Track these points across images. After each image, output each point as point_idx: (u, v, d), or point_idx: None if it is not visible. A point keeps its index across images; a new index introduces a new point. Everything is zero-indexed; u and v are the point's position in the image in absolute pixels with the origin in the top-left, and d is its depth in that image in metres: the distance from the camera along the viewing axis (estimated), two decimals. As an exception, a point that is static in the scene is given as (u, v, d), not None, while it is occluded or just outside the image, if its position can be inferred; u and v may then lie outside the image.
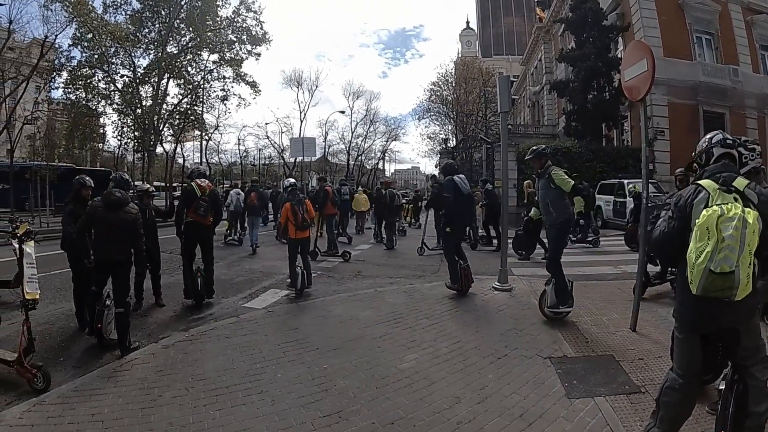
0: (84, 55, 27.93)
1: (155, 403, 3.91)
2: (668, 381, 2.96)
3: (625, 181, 17.88)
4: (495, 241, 13.54)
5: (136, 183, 7.77)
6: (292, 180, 9.71)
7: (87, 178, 6.39)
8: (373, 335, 5.49)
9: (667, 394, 2.94)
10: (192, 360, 4.87)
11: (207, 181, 7.71)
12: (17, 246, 4.70)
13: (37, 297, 4.68)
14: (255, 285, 8.71)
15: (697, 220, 2.61)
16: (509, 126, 28.96)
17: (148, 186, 7.62)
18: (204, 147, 35.52)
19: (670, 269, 6.98)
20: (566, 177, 5.93)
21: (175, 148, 34.43)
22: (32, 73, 24.38)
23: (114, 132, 32.37)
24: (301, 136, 49.90)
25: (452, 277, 7.38)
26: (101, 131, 32.70)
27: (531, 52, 48.34)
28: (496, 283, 7.68)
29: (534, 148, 6.52)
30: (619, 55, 24.87)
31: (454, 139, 38.91)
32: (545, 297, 6.07)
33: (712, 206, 2.61)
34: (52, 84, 28.30)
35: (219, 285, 8.61)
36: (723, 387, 2.98)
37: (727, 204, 2.58)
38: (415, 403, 3.85)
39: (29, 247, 4.72)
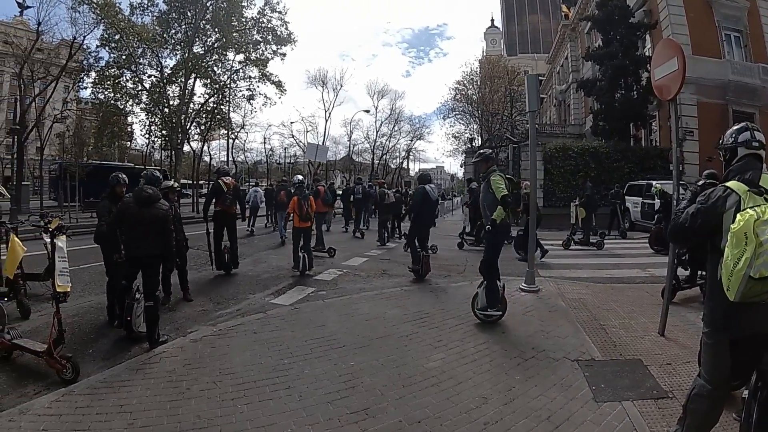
0: (112, 55, 28.25)
1: (183, 396, 3.95)
2: (696, 387, 2.88)
3: (654, 182, 17.47)
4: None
5: (173, 182, 7.92)
6: (300, 177, 11.09)
7: (122, 175, 6.52)
8: (400, 334, 5.48)
9: (694, 401, 2.87)
10: (220, 354, 4.92)
11: (231, 179, 9.71)
12: (48, 240, 4.82)
13: (68, 290, 4.75)
14: (281, 281, 8.76)
15: (732, 226, 2.50)
16: (536, 126, 28.73)
17: (173, 182, 7.74)
18: (230, 145, 35.83)
19: (699, 273, 6.83)
20: (501, 185, 6.00)
21: (202, 146, 34.72)
22: (61, 73, 24.83)
23: (142, 130, 32.79)
24: (326, 135, 50.56)
25: (414, 260, 8.95)
26: (129, 129, 33.11)
27: (557, 50, 47.78)
28: (523, 285, 7.59)
29: (481, 151, 6.81)
30: (647, 53, 24.40)
31: (480, 138, 38.59)
32: (476, 299, 6.07)
33: (745, 210, 2.50)
34: (80, 84, 28.80)
35: (245, 281, 8.79)
36: (747, 394, 2.89)
37: (760, 206, 2.48)
38: (442, 402, 3.83)
39: (61, 242, 4.82)
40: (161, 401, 3.86)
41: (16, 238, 6.00)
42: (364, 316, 6.21)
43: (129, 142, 37.33)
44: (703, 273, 6.47)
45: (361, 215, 18.72)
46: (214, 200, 9.31)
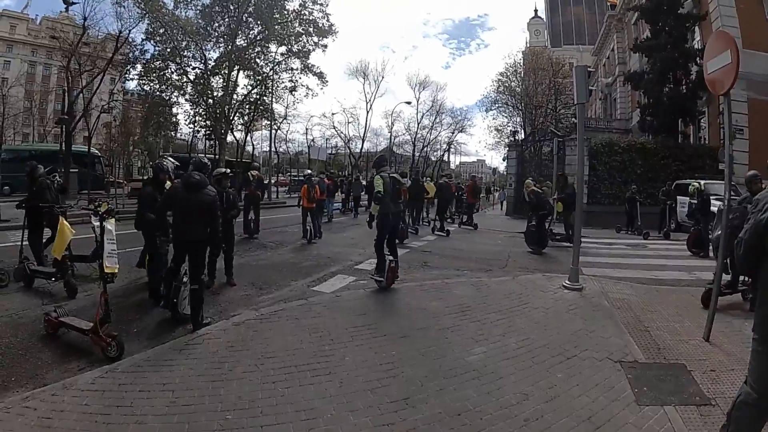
0: (156, 48, 29.27)
1: (225, 377, 4.02)
2: (742, 395, 2.75)
3: (702, 182, 16.75)
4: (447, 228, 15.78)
5: (223, 170, 8.19)
6: (309, 171, 16.74)
7: (165, 162, 6.68)
8: (441, 326, 5.44)
9: (740, 409, 2.75)
10: (262, 338, 4.99)
11: (257, 172, 15.10)
12: (98, 224, 4.96)
13: (116, 271, 4.92)
14: (322, 270, 8.86)
15: None
16: (574, 120, 27.96)
17: (226, 169, 7.93)
18: (273, 136, 36.35)
19: (742, 279, 6.53)
20: (379, 183, 7.28)
21: (245, 136, 35.41)
22: (108, 65, 25.47)
23: (186, 120, 33.61)
24: (367, 126, 50.69)
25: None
26: (174, 120, 33.98)
27: (603, 41, 46.33)
28: (567, 282, 7.42)
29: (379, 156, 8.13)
30: (696, 46, 23.34)
31: (523, 131, 37.91)
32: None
33: None
34: (126, 76, 29.87)
35: (287, 268, 8.95)
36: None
37: None
38: (482, 396, 3.79)
39: (110, 225, 4.97)
40: (203, 381, 3.94)
41: (65, 221, 6.26)
42: (405, 306, 6.22)
43: (174, 132, 38.15)
44: (746, 279, 6.21)
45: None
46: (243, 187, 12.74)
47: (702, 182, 15.79)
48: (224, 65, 30.20)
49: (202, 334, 5.10)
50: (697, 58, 22.37)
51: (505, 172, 35.01)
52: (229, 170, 8.06)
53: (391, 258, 7.39)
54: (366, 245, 11.76)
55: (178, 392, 3.74)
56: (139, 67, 29.49)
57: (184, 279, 5.79)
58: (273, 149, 37.87)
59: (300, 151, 57.99)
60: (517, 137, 29.27)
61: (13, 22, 60.99)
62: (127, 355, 4.49)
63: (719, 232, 6.00)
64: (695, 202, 12.64)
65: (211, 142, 35.17)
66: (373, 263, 8.90)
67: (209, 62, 30.56)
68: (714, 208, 14.41)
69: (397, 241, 7.97)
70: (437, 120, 55.32)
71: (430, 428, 3.32)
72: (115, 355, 4.48)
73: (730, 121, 5.96)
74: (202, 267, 5.75)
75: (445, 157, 62.08)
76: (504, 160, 32.81)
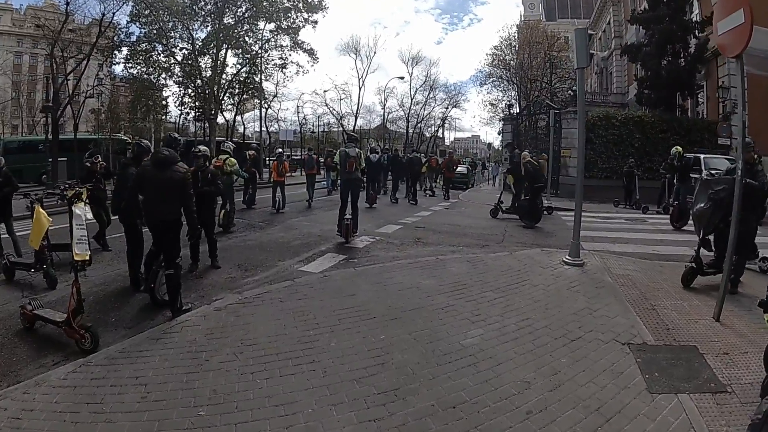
0: (142, 30, 28.41)
1: (201, 368, 3.72)
2: None
3: (702, 156, 16.39)
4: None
5: (200, 147, 7.70)
6: (280, 150, 18.01)
7: (145, 142, 6.29)
8: (435, 306, 5.09)
9: None
10: (243, 324, 4.68)
11: (253, 151, 16.07)
12: (78, 211, 4.64)
13: (87, 258, 4.58)
14: (312, 248, 8.49)
15: None
16: (569, 93, 27.46)
17: (200, 148, 7.50)
18: (263, 116, 35.62)
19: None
20: (337, 157, 9.70)
21: (235, 116, 34.72)
22: (92, 50, 24.81)
23: (175, 103, 32.92)
24: (359, 103, 50.07)
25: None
26: (163, 103, 33.27)
27: (599, 14, 45.44)
28: (567, 257, 7.04)
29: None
30: (695, 18, 22.81)
31: (518, 105, 37.29)
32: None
33: None
34: (113, 60, 29.01)
35: (276, 248, 8.56)
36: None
37: None
38: (479, 385, 3.45)
39: (79, 209, 4.64)
40: (178, 373, 3.64)
41: (41, 209, 5.89)
42: (397, 285, 5.84)
43: (164, 116, 37.42)
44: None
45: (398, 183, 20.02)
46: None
47: (702, 156, 15.61)
48: (212, 45, 29.46)
49: (181, 321, 4.82)
50: (696, 31, 22.12)
51: (500, 147, 34.51)
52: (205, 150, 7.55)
53: (348, 217, 9.12)
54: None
55: (151, 386, 3.46)
56: (125, 50, 28.71)
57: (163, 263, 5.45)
58: (264, 129, 37.08)
59: (294, 130, 57.15)
60: (512, 111, 28.66)
61: None
62: (103, 346, 4.24)
63: (701, 205, 5.66)
64: (678, 165, 12.66)
65: (200, 123, 34.56)
66: (366, 241, 8.82)
67: (197, 42, 29.80)
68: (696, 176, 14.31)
69: (369, 205, 12.37)
70: (431, 95, 54.45)
71: (421, 424, 2.99)
72: (90, 347, 4.23)
73: (743, 86, 5.53)
74: (176, 250, 5.37)
75: (440, 133, 61.46)
76: (499, 134, 32.30)
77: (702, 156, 16.21)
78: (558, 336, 4.34)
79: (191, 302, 5.50)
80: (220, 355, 3.94)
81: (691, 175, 13.07)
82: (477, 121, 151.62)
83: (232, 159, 10.69)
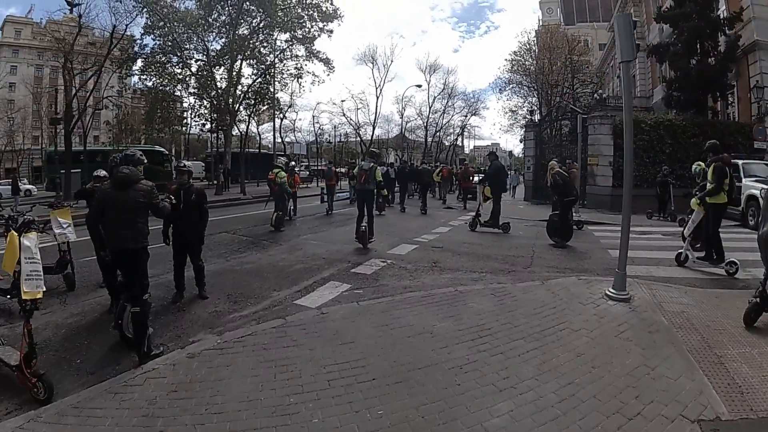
0: (155, 42, 28.36)
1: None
2: None
3: (740, 163, 15.06)
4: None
5: (183, 162, 6.87)
6: (292, 163, 17.95)
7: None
8: (451, 362, 4.04)
9: None
10: (215, 379, 3.82)
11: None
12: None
13: (39, 296, 3.98)
14: (314, 274, 7.52)
15: None
16: (601, 95, 26.15)
17: (185, 163, 6.62)
18: (279, 126, 35.28)
19: None
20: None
21: (247, 127, 34.32)
22: (103, 63, 25.07)
23: (191, 114, 32.78)
24: (377, 113, 49.48)
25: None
26: (179, 114, 33.15)
27: (618, 16, 44.07)
28: (611, 290, 5.88)
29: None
30: (722, 15, 21.54)
31: (539, 112, 36.06)
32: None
33: None
34: (128, 72, 28.96)
35: (274, 273, 7.69)
36: None
37: None
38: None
39: (29, 240, 4.05)
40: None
41: (14, 233, 5.15)
42: (406, 329, 4.81)
43: (181, 126, 37.34)
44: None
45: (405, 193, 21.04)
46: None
47: (740, 162, 14.34)
48: (227, 56, 29.09)
49: (147, 369, 4.05)
50: (725, 28, 20.89)
51: (522, 155, 33.22)
52: (188, 165, 6.64)
53: (364, 225, 9.83)
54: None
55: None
56: (139, 62, 28.79)
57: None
58: (280, 140, 36.67)
59: (311, 141, 56.70)
60: (534, 117, 27.46)
61: (18, 27, 60.71)
62: (60, 395, 3.72)
63: None
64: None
65: (215, 134, 34.28)
66: (375, 265, 7.97)
67: (212, 53, 29.51)
68: (756, 192, 12.97)
69: (378, 212, 12.00)
70: (449, 103, 53.61)
71: None
72: (44, 397, 3.70)
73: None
74: (141, 283, 4.59)
75: (459, 142, 60.38)
76: (521, 141, 31.04)
77: (740, 162, 14.95)
78: (612, 412, 3.26)
79: (164, 344, 4.78)
80: (176, 426, 3.14)
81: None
82: (497, 128, 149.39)
83: (282, 173, 13.35)
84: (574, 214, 11.99)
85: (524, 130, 27.41)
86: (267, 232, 12.21)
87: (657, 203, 15.91)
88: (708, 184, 7.67)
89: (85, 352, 4.68)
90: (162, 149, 35.56)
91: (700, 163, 9.74)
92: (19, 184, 26.38)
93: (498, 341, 4.46)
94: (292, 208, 15.08)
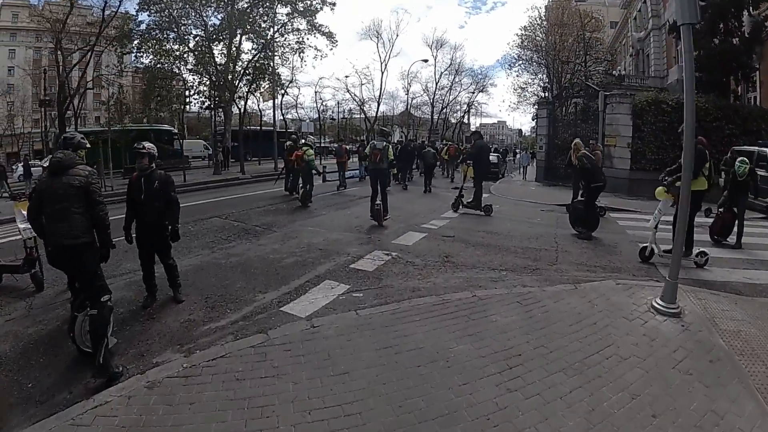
0: (151, 18, 27.21)
1: None
2: None
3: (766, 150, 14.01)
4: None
5: (143, 144, 5.64)
6: (303, 140, 17.37)
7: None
8: (475, 409, 3.08)
9: None
10: (171, 425, 3.02)
11: (290, 141, 16.50)
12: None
13: None
14: (307, 271, 6.57)
15: None
16: (620, 72, 24.79)
17: (143, 144, 5.48)
18: (279, 102, 34.24)
19: None
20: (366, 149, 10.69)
21: (245, 103, 33.16)
22: (96, 42, 24.26)
23: (190, 92, 31.66)
24: (382, 88, 48.23)
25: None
26: (178, 92, 32.07)
27: (633, -8, 42.57)
28: (659, 302, 4.89)
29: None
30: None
31: (551, 89, 34.73)
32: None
33: None
34: (123, 50, 27.66)
35: (261, 269, 6.76)
36: None
37: None
38: None
39: None
40: None
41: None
42: (415, 354, 3.85)
43: (183, 105, 36.33)
44: None
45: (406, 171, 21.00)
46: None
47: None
48: (225, 32, 27.91)
49: (98, 404, 3.30)
50: (750, 7, 19.71)
51: (533, 133, 32.05)
52: (146, 146, 5.49)
53: (378, 203, 9.99)
54: (370, 228, 9.58)
55: None
56: (136, 40, 27.43)
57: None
58: (281, 116, 35.62)
59: (315, 118, 55.50)
60: (547, 94, 26.16)
61: (15, 10, 59.21)
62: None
63: None
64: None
65: (215, 112, 33.21)
66: (377, 260, 7.11)
67: (210, 29, 28.31)
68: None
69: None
70: (456, 80, 52.02)
71: None
72: None
73: None
74: (95, 283, 3.94)
75: (465, 119, 58.99)
76: (533, 119, 29.76)
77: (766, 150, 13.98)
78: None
79: (125, 365, 3.98)
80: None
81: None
82: (505, 106, 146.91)
83: (311, 150, 13.84)
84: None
85: (536, 107, 26.25)
86: (260, 217, 11.30)
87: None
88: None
89: (38, 374, 3.96)
90: (170, 128, 35.67)
91: (745, 159, 8.74)
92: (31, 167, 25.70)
93: (532, 375, 3.50)
94: (301, 185, 14.81)
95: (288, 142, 16.72)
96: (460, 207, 12.11)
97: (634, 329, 4.40)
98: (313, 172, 13.77)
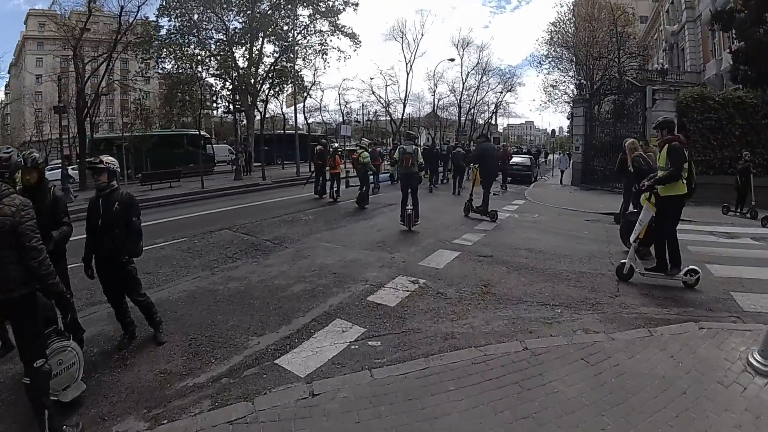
0: (170, 23, 26.98)
1: None
2: None
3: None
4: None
5: (100, 157, 4.49)
6: (335, 144, 20.11)
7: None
8: None
9: None
10: None
11: (320, 146, 17.03)
12: None
13: None
14: (315, 304, 5.48)
15: None
16: (662, 65, 23.12)
17: (101, 159, 4.36)
18: (303, 106, 33.70)
19: None
20: (396, 153, 10.96)
21: (266, 106, 32.68)
22: (113, 47, 23.89)
23: (212, 96, 31.16)
24: (408, 89, 47.26)
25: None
26: (201, 97, 31.66)
27: (666, -15, 40.71)
28: (756, 359, 3.65)
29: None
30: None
31: (583, 86, 33.22)
32: None
33: None
34: (144, 56, 27.50)
35: (262, 300, 5.73)
36: None
37: None
38: None
39: None
40: None
41: None
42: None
43: (203, 110, 35.95)
44: None
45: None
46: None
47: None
48: (247, 35, 27.44)
49: None
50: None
51: (562, 134, 30.41)
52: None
53: (410, 208, 9.85)
54: (394, 244, 8.53)
55: None
56: (156, 45, 27.12)
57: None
58: (304, 120, 35.00)
59: (342, 121, 54.71)
60: (583, 91, 24.58)
61: (41, 20, 60.38)
62: None
63: None
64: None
65: (233, 116, 32.72)
66: (402, 289, 5.96)
67: (232, 33, 27.92)
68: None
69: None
70: (483, 79, 50.63)
71: None
72: None
73: None
74: (31, 343, 3.06)
75: (493, 120, 57.50)
76: (568, 118, 28.08)
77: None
78: None
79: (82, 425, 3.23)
80: None
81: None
82: (534, 106, 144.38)
83: (366, 153, 14.86)
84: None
85: (572, 105, 24.78)
86: (274, 228, 10.34)
87: (736, 195, 13.37)
88: (660, 171, 5.94)
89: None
90: (203, 133, 35.55)
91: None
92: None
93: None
94: (336, 189, 15.63)
95: (318, 146, 17.05)
96: (470, 212, 11.70)
97: (732, 401, 3.22)
98: (369, 173, 14.56)
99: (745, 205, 12.89)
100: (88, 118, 24.29)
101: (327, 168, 16.19)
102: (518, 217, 11.45)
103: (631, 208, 10.10)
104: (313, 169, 18.07)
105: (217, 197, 18.62)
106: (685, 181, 5.87)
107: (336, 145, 20.21)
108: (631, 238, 6.39)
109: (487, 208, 11.33)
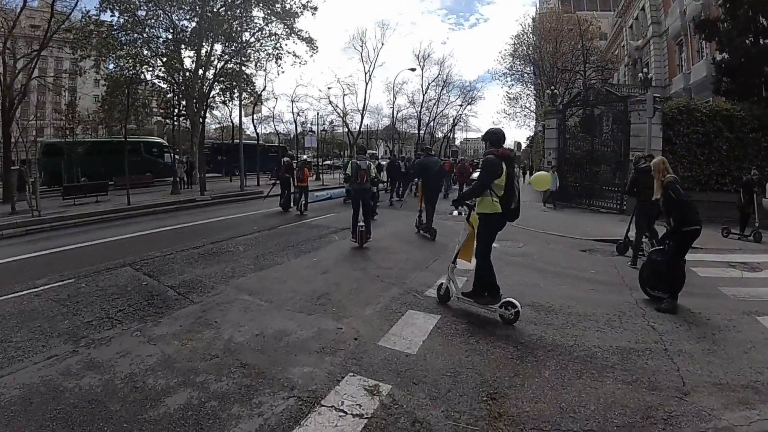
0: (112, 18, 24.35)
1: None
2: None
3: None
4: None
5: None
6: (305, 157, 21.46)
7: None
8: None
9: None
10: None
11: (287, 158, 17.72)
12: None
13: None
14: (307, 355, 3.56)
15: None
16: (646, 74, 21.71)
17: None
18: (252, 113, 31.49)
19: None
20: (349, 168, 10.42)
21: (205, 112, 30.08)
22: (44, 44, 21.97)
23: (158, 100, 28.55)
24: (366, 100, 45.77)
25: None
26: (144, 101, 28.83)
27: (629, 1, 40.55)
28: None
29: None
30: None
31: (562, 97, 32.13)
32: None
33: None
34: (82, 54, 24.68)
35: (118, 420, 3.28)
36: None
37: None
38: None
39: None
40: None
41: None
42: None
43: (150, 116, 33.26)
44: None
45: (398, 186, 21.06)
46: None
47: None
48: (195, 36, 25.33)
49: None
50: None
51: (529, 147, 28.62)
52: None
53: (362, 224, 9.70)
54: (342, 299, 6.13)
55: None
56: (95, 42, 24.38)
57: None
58: (252, 128, 32.75)
59: (300, 132, 52.36)
60: (556, 102, 22.68)
61: None
62: None
63: None
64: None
65: (175, 123, 30.05)
66: (347, 407, 3.42)
67: (181, 32, 25.55)
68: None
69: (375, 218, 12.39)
70: (444, 91, 49.90)
71: None
72: None
73: None
74: None
75: (452, 134, 56.90)
76: (541, 131, 26.16)
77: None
78: None
79: None
80: None
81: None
82: (499, 117, 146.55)
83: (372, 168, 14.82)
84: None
85: (545, 117, 23.08)
86: (188, 266, 8.00)
87: (739, 215, 11.78)
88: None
89: None
90: (162, 140, 35.17)
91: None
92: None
93: None
94: (303, 202, 15.69)
95: (285, 158, 17.56)
96: (419, 230, 11.30)
97: None
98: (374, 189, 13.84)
99: (748, 225, 11.39)
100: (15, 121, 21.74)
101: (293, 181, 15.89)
102: (500, 248, 8.94)
103: (646, 243, 8.28)
104: (275, 181, 18.19)
105: (142, 215, 16.09)
106: (497, 200, 5.27)
107: (305, 156, 19.92)
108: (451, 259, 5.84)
109: (430, 225, 10.89)
